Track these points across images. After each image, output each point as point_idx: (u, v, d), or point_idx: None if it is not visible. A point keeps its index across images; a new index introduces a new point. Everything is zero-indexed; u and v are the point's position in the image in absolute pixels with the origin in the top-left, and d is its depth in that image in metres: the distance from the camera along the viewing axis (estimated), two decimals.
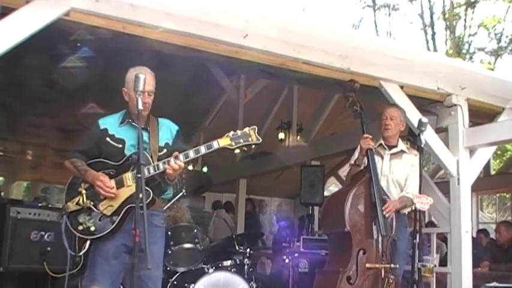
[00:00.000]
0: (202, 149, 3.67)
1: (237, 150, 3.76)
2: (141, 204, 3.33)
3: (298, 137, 10.42)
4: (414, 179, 4.77)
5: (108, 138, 3.83)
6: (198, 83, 9.86)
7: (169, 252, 5.22)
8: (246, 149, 3.78)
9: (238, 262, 5.67)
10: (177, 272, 5.27)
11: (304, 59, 4.99)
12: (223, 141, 3.68)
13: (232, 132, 3.72)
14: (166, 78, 7.98)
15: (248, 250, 5.81)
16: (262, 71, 5.40)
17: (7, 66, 6.67)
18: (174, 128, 4.04)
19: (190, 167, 11.54)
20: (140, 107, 3.43)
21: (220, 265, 5.47)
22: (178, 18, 4.32)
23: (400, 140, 5.13)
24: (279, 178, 12.93)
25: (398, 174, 4.99)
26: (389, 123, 5.01)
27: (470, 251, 5.64)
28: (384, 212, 4.60)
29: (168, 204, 5.74)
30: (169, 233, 5.29)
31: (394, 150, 5.05)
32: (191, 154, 3.68)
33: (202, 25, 4.44)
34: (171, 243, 5.24)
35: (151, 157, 3.76)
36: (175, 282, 5.20)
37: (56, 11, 3.90)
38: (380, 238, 4.59)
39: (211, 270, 5.23)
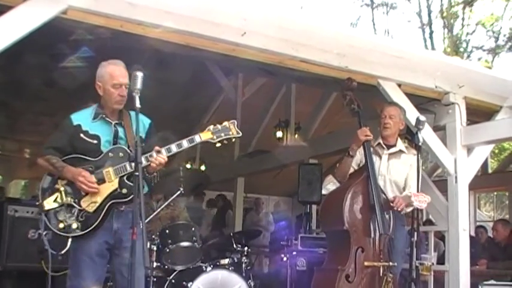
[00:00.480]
0: (185, 143, 3.73)
1: (218, 144, 3.82)
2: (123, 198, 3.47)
3: (296, 136, 10.43)
4: (414, 179, 4.75)
5: (82, 135, 3.76)
6: (197, 81, 9.87)
7: (167, 250, 5.22)
8: (226, 142, 3.83)
9: (236, 260, 5.67)
10: (175, 270, 5.26)
11: (302, 57, 4.99)
12: (205, 135, 3.77)
13: (212, 126, 3.81)
14: (165, 77, 8.06)
15: (246, 248, 5.82)
16: (260, 69, 5.41)
17: (6, 65, 6.66)
18: (147, 121, 3.95)
19: (188, 166, 11.59)
20: (138, 105, 3.40)
21: (218, 263, 5.47)
22: (177, 16, 4.32)
23: (399, 139, 5.11)
24: (277, 176, 12.94)
25: (396, 174, 4.98)
26: (388, 122, 5.00)
27: (467, 249, 5.65)
28: (398, 208, 4.61)
29: (166, 203, 5.76)
30: (167, 231, 5.30)
31: (392, 150, 5.03)
32: (173, 148, 3.72)
33: (200, 23, 4.44)
34: (169, 241, 5.24)
35: (130, 150, 3.74)
36: (173, 281, 5.19)
37: (54, 9, 3.89)
38: (378, 236, 4.60)
39: (209, 268, 5.23)
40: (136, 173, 3.26)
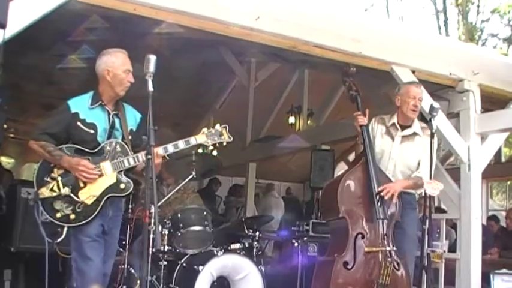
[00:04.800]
0: (181, 144, 3.93)
1: (211, 147, 4.08)
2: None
3: (309, 121, 10.39)
4: (426, 163, 4.65)
5: (79, 123, 3.84)
6: (209, 66, 9.83)
7: (179, 234, 5.23)
8: (218, 146, 4.06)
9: (247, 245, 5.69)
10: (186, 254, 5.28)
11: (315, 42, 4.97)
12: (200, 138, 4.01)
13: (206, 129, 4.05)
14: (177, 62, 8.02)
15: (257, 233, 5.82)
16: (274, 54, 5.38)
17: (20, 49, 6.66)
18: (138, 115, 4.09)
19: (200, 150, 11.59)
20: (151, 88, 3.40)
21: (229, 248, 5.48)
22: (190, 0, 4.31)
23: (416, 119, 4.89)
24: (289, 162, 12.91)
25: (408, 158, 4.83)
26: (418, 105, 4.80)
27: (479, 238, 5.63)
28: (385, 197, 4.50)
29: (177, 188, 5.77)
30: (178, 215, 5.31)
31: (406, 132, 4.85)
32: (170, 148, 3.90)
33: (214, 7, 4.42)
34: (181, 225, 5.25)
35: (126, 145, 3.89)
36: (184, 265, 5.22)
37: None
38: (380, 221, 4.51)
39: (220, 253, 5.24)
40: (149, 156, 3.29)
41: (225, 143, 4.07)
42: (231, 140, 4.09)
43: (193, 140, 3.97)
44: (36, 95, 10.37)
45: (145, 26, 4.53)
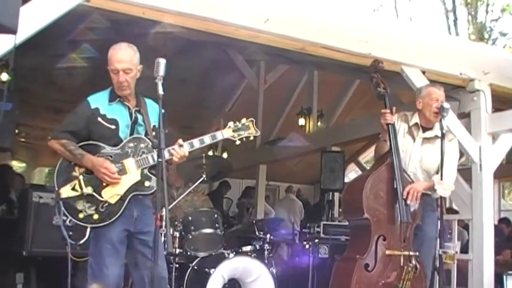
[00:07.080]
0: (207, 139, 3.81)
1: (238, 142, 3.91)
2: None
3: (319, 123, 10.37)
4: (447, 165, 4.54)
5: (99, 119, 3.69)
6: (219, 69, 9.86)
7: (190, 237, 5.24)
8: (245, 139, 3.92)
9: (258, 248, 5.67)
10: (197, 257, 5.28)
11: (324, 44, 4.97)
12: (226, 132, 3.88)
13: (233, 124, 3.91)
14: (187, 64, 8.04)
15: (268, 236, 5.81)
16: (282, 56, 5.38)
17: (29, 52, 6.69)
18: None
19: (210, 153, 11.62)
20: (161, 91, 3.36)
21: (240, 250, 5.48)
22: (198, 2, 4.31)
23: (437, 122, 4.72)
24: (299, 164, 12.89)
25: (428, 162, 4.74)
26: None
27: (492, 238, 5.59)
28: (408, 201, 4.44)
29: (188, 190, 5.77)
30: (189, 217, 5.31)
31: (427, 135, 4.76)
32: (196, 143, 3.76)
33: (222, 10, 4.43)
34: (192, 228, 5.25)
35: (150, 141, 3.72)
36: (195, 267, 5.21)
37: None
38: (402, 224, 4.44)
39: (231, 255, 5.24)
40: (159, 159, 3.26)
41: (252, 138, 3.96)
42: (259, 134, 3.98)
43: (219, 135, 3.86)
44: (45, 99, 10.43)
45: (153, 29, 4.53)
